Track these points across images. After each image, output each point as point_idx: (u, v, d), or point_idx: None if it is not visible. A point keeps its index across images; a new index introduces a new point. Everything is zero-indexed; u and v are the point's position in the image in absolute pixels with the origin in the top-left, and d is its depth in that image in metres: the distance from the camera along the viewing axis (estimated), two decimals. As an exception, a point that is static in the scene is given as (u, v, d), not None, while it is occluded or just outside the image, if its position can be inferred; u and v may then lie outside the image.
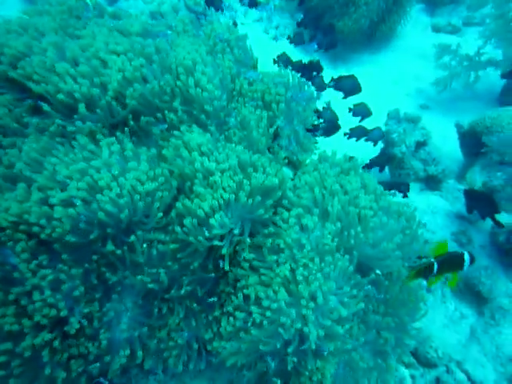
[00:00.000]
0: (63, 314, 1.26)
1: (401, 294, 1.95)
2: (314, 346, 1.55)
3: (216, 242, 1.45)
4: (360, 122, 3.01)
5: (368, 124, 3.12)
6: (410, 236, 1.90)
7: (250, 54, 1.97)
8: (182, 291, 1.53)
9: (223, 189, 1.40)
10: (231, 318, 1.62)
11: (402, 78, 4.69)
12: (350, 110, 2.95)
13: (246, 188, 1.47)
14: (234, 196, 1.45)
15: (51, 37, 1.33)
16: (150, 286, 1.44)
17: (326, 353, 1.64)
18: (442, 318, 2.61)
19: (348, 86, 3.02)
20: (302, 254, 1.60)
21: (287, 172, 1.93)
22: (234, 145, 1.56)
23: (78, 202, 1.22)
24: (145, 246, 1.44)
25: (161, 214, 1.44)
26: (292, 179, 1.87)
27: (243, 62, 1.87)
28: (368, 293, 1.84)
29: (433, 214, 3.08)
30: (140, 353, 1.52)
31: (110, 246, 1.33)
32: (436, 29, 5.16)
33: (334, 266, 1.64)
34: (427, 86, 4.52)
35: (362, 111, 2.90)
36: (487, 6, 3.95)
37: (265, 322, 1.54)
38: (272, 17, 5.16)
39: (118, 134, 1.42)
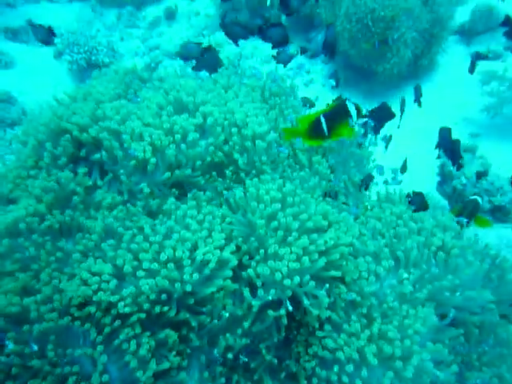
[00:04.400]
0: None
1: (498, 347, 1.71)
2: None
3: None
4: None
5: (421, 156, 2.96)
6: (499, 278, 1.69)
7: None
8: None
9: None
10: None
11: (447, 109, 4.54)
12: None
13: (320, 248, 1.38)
14: (307, 259, 1.36)
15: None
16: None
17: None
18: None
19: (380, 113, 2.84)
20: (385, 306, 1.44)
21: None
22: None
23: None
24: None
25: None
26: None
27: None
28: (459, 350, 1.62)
29: (507, 247, 2.80)
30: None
31: (182, 315, 1.26)
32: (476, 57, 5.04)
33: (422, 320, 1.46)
34: (475, 114, 4.33)
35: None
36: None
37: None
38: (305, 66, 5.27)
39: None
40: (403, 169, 2.72)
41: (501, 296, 1.72)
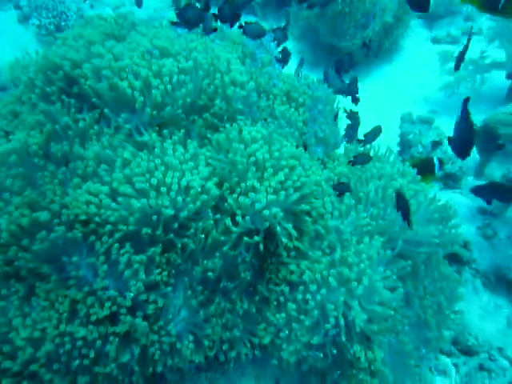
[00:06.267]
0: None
1: (439, 281, 1.98)
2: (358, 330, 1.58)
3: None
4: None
5: (383, 130, 3.21)
6: (446, 224, 1.94)
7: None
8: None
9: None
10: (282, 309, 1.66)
11: (408, 88, 4.85)
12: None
13: (296, 184, 1.56)
14: (284, 193, 1.54)
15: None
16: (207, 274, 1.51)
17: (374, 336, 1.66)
18: (476, 310, 2.60)
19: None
20: (345, 237, 1.66)
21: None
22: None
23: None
24: (202, 236, 1.51)
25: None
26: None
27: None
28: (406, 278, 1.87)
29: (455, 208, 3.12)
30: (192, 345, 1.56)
31: (171, 235, 1.42)
32: (436, 40, 5.36)
33: (374, 249, 1.69)
34: (433, 93, 4.65)
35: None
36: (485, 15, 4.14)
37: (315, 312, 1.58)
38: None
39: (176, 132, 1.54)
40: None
41: (444, 238, 1.99)
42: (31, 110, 1.45)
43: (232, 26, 2.00)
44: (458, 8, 5.27)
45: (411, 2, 1.99)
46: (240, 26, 1.96)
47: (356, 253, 1.66)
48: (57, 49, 1.50)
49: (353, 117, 2.41)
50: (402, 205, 1.65)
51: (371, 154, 2.04)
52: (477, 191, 2.68)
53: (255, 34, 1.99)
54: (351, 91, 2.82)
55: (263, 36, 2.01)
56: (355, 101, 2.76)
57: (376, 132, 2.22)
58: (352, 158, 1.90)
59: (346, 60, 3.14)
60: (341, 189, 1.73)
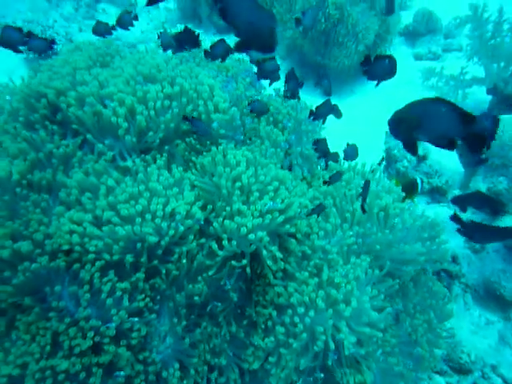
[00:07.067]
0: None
1: (428, 299, 1.98)
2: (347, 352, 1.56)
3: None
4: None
5: (367, 146, 3.25)
6: (434, 240, 1.95)
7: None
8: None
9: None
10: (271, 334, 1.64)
11: (391, 104, 4.93)
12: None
13: (279, 207, 1.57)
14: (270, 216, 1.54)
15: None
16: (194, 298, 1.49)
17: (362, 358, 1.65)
18: (468, 325, 2.60)
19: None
20: (331, 257, 1.66)
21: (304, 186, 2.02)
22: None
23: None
24: (184, 261, 1.50)
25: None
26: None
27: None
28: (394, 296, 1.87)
29: (443, 222, 3.14)
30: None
31: (155, 262, 1.40)
32: (418, 57, 5.51)
33: (362, 268, 1.69)
34: (417, 109, 4.74)
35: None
36: (465, 29, 4.25)
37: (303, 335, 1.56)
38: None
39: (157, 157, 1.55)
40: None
41: (432, 255, 2.00)
42: (14, 139, 1.44)
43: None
44: (437, 25, 5.43)
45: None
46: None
47: (343, 273, 1.66)
48: (42, 75, 1.51)
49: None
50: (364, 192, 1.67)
51: (356, 171, 2.05)
52: (457, 201, 2.70)
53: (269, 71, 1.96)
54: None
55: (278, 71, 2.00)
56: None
57: (354, 149, 2.23)
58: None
59: (325, 84, 3.15)
60: (318, 211, 1.73)
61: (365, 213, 1.73)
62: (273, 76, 1.99)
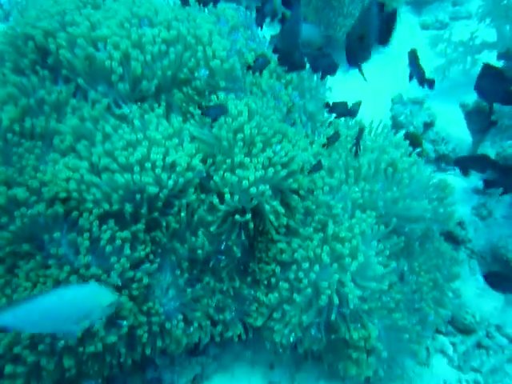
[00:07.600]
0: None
1: (434, 258, 1.94)
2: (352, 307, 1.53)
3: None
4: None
5: (373, 112, 3.16)
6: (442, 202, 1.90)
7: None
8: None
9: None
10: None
11: (398, 73, 4.81)
12: None
13: (282, 160, 1.51)
14: (272, 169, 1.49)
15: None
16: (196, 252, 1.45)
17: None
18: (474, 290, 2.56)
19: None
20: (335, 212, 1.61)
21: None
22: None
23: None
24: (183, 214, 1.45)
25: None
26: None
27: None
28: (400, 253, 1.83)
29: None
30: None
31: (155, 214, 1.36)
32: (425, 26, 5.33)
33: (367, 224, 1.64)
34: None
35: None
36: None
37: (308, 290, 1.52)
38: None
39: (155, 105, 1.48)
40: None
41: (438, 216, 1.95)
42: (3, 84, 1.38)
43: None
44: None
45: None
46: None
47: (348, 227, 1.61)
48: (28, 14, 1.43)
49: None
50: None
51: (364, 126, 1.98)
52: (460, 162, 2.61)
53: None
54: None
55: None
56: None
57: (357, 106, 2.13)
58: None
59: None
60: (317, 168, 1.67)
61: (356, 157, 1.73)
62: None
